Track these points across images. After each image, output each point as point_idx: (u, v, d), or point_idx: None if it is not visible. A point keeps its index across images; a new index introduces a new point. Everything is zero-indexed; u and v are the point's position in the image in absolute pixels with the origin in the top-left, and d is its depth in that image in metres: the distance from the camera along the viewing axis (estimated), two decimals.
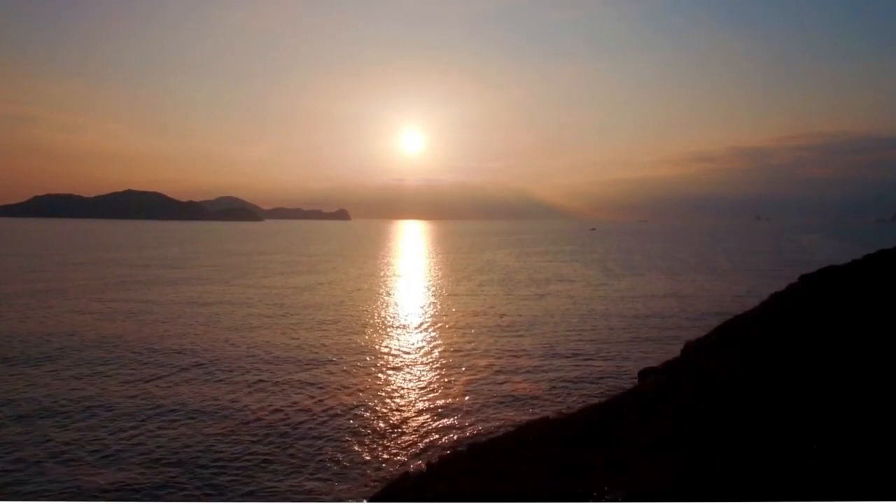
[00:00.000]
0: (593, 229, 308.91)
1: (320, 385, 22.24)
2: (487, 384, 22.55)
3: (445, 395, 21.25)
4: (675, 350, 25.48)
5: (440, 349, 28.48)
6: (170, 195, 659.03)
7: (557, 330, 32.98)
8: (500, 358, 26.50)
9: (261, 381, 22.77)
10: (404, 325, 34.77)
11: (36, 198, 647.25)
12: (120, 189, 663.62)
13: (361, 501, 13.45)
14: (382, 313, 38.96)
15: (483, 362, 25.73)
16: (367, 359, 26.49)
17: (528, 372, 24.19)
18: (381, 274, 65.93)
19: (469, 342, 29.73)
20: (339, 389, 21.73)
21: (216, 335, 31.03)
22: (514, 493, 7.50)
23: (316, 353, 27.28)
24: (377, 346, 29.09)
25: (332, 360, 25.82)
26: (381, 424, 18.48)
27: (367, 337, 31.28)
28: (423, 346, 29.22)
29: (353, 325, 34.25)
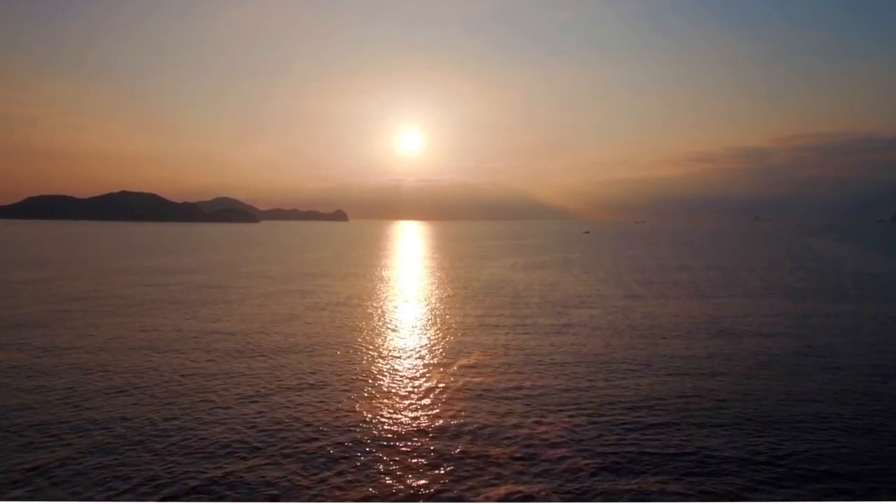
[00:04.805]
0: (587, 232, 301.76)
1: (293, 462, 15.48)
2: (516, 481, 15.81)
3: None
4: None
5: (451, 428, 21.71)
6: (165, 196, 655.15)
7: (596, 383, 26.24)
8: (534, 447, 19.77)
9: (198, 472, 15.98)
10: (401, 382, 28.02)
11: (30, 199, 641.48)
12: (115, 190, 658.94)
13: None
14: (378, 361, 32.29)
15: (513, 465, 19.03)
16: (354, 434, 19.73)
17: (572, 462, 17.46)
18: (376, 296, 59.27)
19: (487, 410, 22.95)
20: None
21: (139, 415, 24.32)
22: None
23: (293, 408, 20.53)
24: (367, 416, 22.33)
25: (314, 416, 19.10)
26: None
27: (354, 407, 24.53)
28: (427, 416, 22.45)
29: (339, 385, 27.53)
